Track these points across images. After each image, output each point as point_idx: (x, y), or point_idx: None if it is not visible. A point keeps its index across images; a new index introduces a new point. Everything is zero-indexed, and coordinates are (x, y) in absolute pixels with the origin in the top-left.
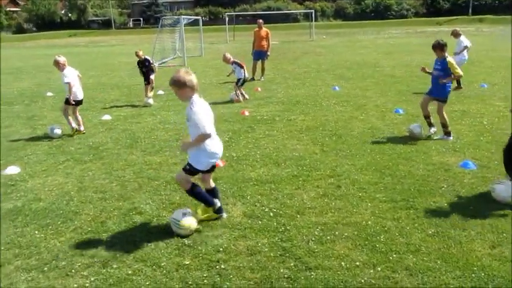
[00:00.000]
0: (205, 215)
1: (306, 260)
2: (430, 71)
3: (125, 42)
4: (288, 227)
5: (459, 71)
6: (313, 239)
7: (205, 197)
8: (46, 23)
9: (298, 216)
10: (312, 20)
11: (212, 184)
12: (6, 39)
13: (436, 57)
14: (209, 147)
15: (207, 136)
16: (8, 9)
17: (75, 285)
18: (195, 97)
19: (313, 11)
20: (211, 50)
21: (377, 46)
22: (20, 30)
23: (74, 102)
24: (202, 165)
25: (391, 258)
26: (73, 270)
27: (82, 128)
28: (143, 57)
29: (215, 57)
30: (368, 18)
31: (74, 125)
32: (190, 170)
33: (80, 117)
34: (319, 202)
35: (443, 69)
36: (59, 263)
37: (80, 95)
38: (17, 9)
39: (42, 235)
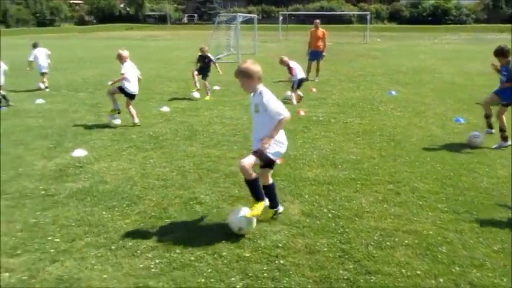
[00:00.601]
0: (255, 211)
1: (365, 263)
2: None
3: (179, 38)
4: (346, 229)
5: None
6: (372, 243)
7: (260, 192)
8: (106, 16)
9: (357, 219)
10: (366, 23)
11: (270, 180)
12: (69, 30)
13: (501, 64)
14: (277, 137)
15: (285, 120)
16: (71, 1)
17: (141, 266)
18: (262, 87)
19: (368, 13)
20: (264, 48)
21: (434, 51)
22: (81, 22)
23: (119, 91)
24: (276, 152)
25: (453, 270)
26: (138, 251)
27: (136, 120)
28: (206, 53)
29: (268, 55)
30: (425, 23)
31: (117, 106)
32: (269, 163)
33: (133, 110)
34: (377, 207)
35: (508, 75)
36: (125, 243)
37: (134, 89)
38: (79, 1)
39: (109, 215)
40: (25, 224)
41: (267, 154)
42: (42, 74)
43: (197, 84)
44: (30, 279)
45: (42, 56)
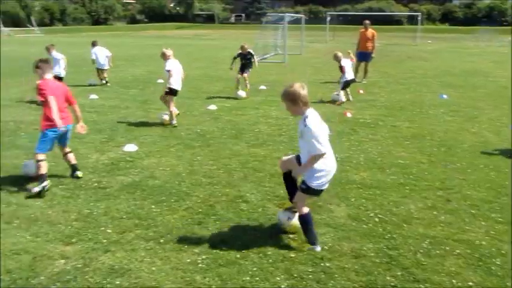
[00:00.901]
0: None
1: (413, 271)
2: None
3: (226, 37)
4: (394, 235)
5: None
6: (421, 251)
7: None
8: (157, 15)
9: (405, 225)
10: (417, 24)
11: (305, 209)
12: (121, 29)
13: None
14: (323, 164)
15: (321, 156)
16: (124, 1)
17: (188, 260)
18: (309, 111)
19: (419, 13)
20: (310, 49)
21: (488, 54)
22: (132, 20)
23: (168, 90)
24: (317, 183)
25: (508, 284)
26: (186, 246)
27: (174, 122)
28: (247, 50)
29: (314, 56)
30: (479, 24)
31: (175, 110)
32: (306, 189)
33: (174, 109)
34: (427, 214)
35: None
36: (173, 238)
37: (178, 86)
38: (132, 1)
39: (158, 210)
40: (79, 214)
41: (309, 184)
42: (102, 70)
43: (238, 81)
44: (84, 268)
45: (101, 54)
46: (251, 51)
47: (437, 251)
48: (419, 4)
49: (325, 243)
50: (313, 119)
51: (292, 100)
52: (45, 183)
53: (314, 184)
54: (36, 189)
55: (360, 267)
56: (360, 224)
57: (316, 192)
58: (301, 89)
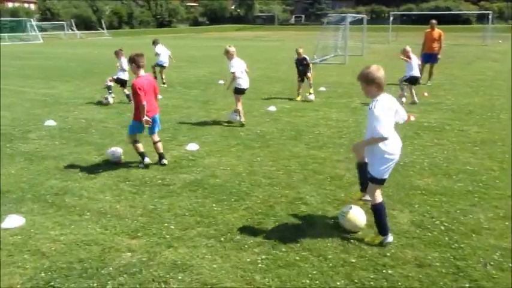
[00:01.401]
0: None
1: (483, 284)
2: None
3: (286, 38)
4: (461, 245)
5: None
6: (491, 263)
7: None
8: (218, 17)
9: (474, 235)
10: (488, 22)
11: (379, 199)
12: (184, 31)
13: None
14: (385, 148)
15: (381, 140)
16: (187, 4)
17: (248, 260)
18: (381, 97)
19: (490, 12)
20: (372, 50)
21: None
22: (195, 23)
23: (236, 89)
24: (380, 170)
25: None
26: (246, 246)
27: (243, 119)
28: (302, 55)
29: (376, 57)
30: None
31: (239, 108)
32: (370, 179)
33: (240, 108)
34: (498, 224)
35: None
36: (233, 237)
37: (245, 85)
38: (194, 4)
39: (219, 208)
40: (144, 210)
41: (371, 173)
42: (161, 68)
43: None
44: (149, 261)
45: (164, 52)
46: (306, 56)
47: (510, 264)
48: (491, 2)
49: (387, 250)
50: (382, 103)
51: (367, 81)
52: (146, 160)
53: (376, 173)
54: (141, 165)
55: (424, 276)
56: (425, 231)
57: (379, 181)
58: (377, 71)
